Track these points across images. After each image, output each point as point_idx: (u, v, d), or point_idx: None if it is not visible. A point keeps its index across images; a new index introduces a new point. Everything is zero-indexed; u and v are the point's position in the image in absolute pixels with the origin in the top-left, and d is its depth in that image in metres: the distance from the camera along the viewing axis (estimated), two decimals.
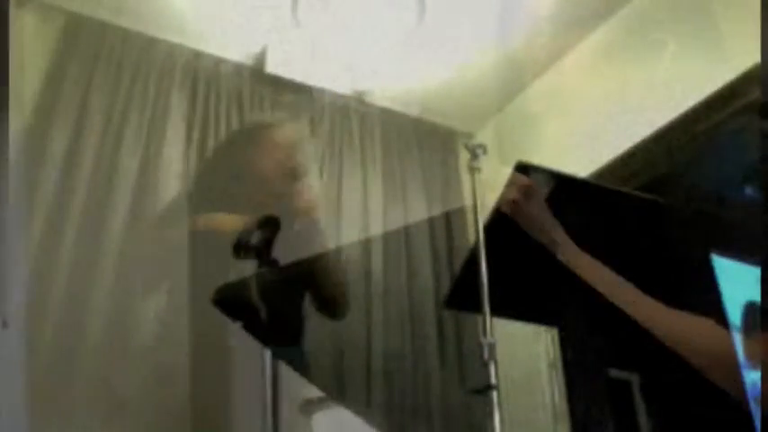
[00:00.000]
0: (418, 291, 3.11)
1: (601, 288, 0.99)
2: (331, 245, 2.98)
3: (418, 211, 3.32)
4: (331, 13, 2.93)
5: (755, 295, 0.70)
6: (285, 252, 2.05)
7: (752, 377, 0.65)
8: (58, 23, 2.80)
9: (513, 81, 3.35)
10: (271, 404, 1.27)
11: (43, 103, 2.65)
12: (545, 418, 2.78)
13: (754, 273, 0.71)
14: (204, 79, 3.01)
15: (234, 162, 2.17)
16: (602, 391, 1.04)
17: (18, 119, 2.53)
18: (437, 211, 3.38)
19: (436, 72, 3.27)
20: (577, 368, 1.11)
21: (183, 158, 2.82)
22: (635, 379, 0.89)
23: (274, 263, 1.36)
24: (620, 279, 0.98)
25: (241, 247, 1.32)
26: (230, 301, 1.33)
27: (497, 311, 1.08)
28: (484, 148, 1.26)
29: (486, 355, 1.07)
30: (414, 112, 3.50)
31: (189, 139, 2.87)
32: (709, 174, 1.04)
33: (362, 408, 2.78)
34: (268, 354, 1.34)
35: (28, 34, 2.72)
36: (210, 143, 2.90)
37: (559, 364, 2.81)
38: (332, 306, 2.13)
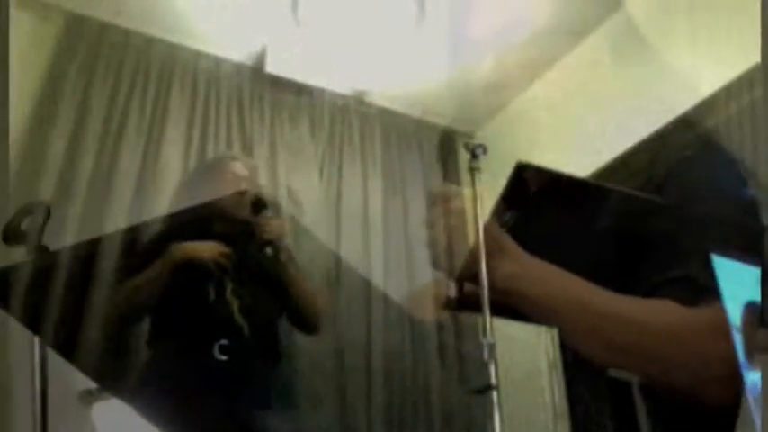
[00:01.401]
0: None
1: (558, 298, 1.00)
2: (331, 245, 2.99)
3: (418, 211, 3.32)
4: (331, 12, 2.93)
5: (755, 295, 0.70)
6: (256, 276, 2.11)
7: (752, 377, 0.65)
8: (58, 23, 2.80)
9: (513, 81, 3.35)
10: (40, 393, 1.27)
11: (43, 104, 2.65)
12: (545, 418, 2.78)
13: (754, 273, 0.71)
14: (204, 79, 3.01)
15: (198, 197, 2.26)
16: (603, 391, 1.04)
17: (18, 119, 2.54)
18: None
19: (436, 72, 3.27)
20: (577, 368, 1.11)
21: (183, 159, 2.82)
22: (635, 379, 0.89)
23: (44, 249, 1.36)
24: (584, 283, 0.98)
25: (10, 234, 1.31)
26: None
27: (497, 311, 1.08)
28: (484, 148, 1.25)
29: (486, 355, 1.07)
30: (414, 112, 3.50)
31: (189, 139, 2.87)
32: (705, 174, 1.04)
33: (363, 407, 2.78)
34: (37, 342, 1.33)
35: (28, 34, 2.72)
36: (210, 143, 2.90)
37: (559, 364, 2.81)
38: (305, 323, 2.23)
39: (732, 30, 2.44)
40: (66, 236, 2.48)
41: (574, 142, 3.01)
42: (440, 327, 3.10)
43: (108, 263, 1.98)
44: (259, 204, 2.18)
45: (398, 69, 3.24)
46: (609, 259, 1.02)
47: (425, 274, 3.49)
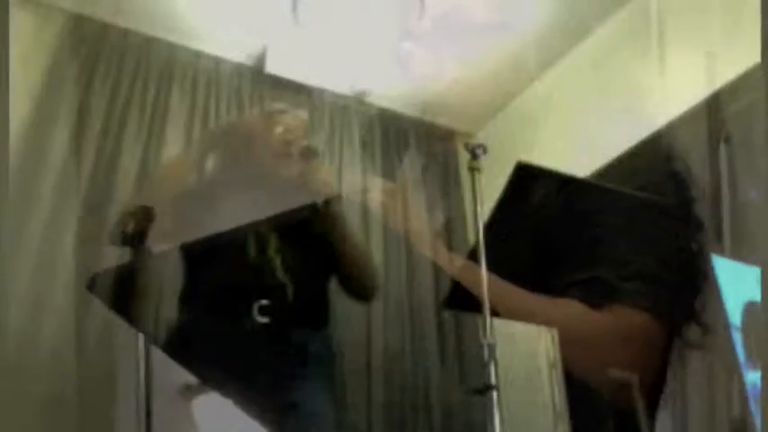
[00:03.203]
0: (418, 291, 3.11)
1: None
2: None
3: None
4: (331, 12, 2.93)
5: (755, 295, 0.70)
6: (303, 230, 1.96)
7: (751, 377, 0.65)
8: (58, 23, 2.80)
9: (513, 81, 3.35)
10: (144, 388, 1.31)
11: (43, 103, 2.65)
12: (545, 418, 2.77)
13: (754, 273, 0.72)
14: (204, 79, 3.01)
15: (247, 153, 2.14)
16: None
17: (18, 119, 2.54)
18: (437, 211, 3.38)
19: (436, 72, 3.26)
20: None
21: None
22: (635, 379, 0.89)
23: (147, 252, 1.40)
24: (496, 280, 1.02)
25: (117, 236, 1.38)
26: (104, 287, 1.37)
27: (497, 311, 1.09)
28: (484, 148, 1.26)
29: (486, 355, 1.07)
30: (414, 112, 3.50)
31: (189, 139, 2.87)
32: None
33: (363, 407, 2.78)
34: (141, 338, 1.36)
35: (28, 34, 2.72)
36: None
37: (559, 364, 2.80)
38: (358, 286, 2.08)
39: (733, 30, 2.44)
40: (65, 235, 2.48)
41: (574, 142, 3.01)
42: (440, 327, 3.10)
43: (207, 263, 1.89)
44: (308, 153, 2.03)
45: (398, 69, 3.24)
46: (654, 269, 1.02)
47: (425, 274, 3.51)
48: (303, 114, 2.28)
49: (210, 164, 2.19)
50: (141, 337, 1.36)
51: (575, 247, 0.98)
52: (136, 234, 1.40)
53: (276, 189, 1.98)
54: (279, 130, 2.11)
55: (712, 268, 0.74)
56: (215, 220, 1.92)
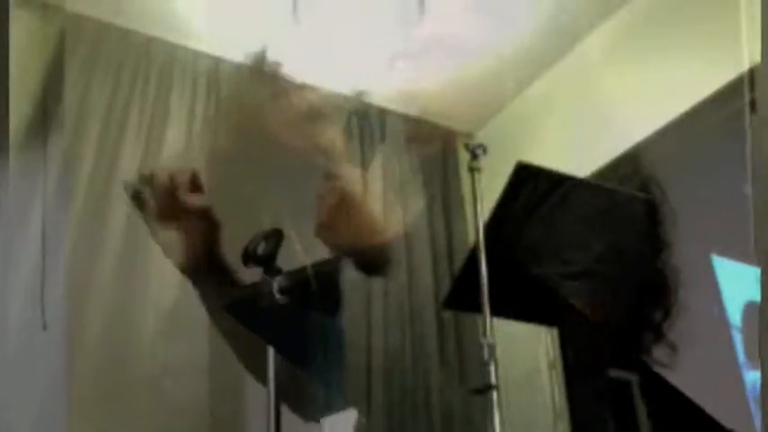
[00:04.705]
0: (418, 291, 3.12)
1: None
2: None
3: (418, 211, 3.32)
4: (331, 12, 2.93)
5: (755, 295, 0.70)
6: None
7: (752, 377, 0.65)
8: (58, 23, 2.80)
9: (513, 81, 3.35)
10: (274, 405, 1.35)
11: (43, 104, 2.65)
12: (545, 418, 2.78)
13: (754, 273, 0.72)
14: (204, 79, 3.01)
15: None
16: (603, 391, 1.05)
17: (18, 119, 2.54)
18: (437, 211, 3.38)
19: (436, 72, 3.26)
20: (577, 368, 1.12)
21: (184, 159, 2.82)
22: (635, 379, 0.89)
23: (279, 271, 1.47)
24: None
25: (248, 257, 1.46)
26: (238, 306, 1.43)
27: (497, 311, 1.09)
28: (484, 148, 1.26)
29: (486, 356, 1.07)
30: (413, 112, 3.50)
31: (189, 139, 2.87)
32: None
33: (363, 408, 2.78)
34: (272, 354, 1.41)
35: (28, 34, 2.72)
36: (211, 143, 2.90)
37: (559, 364, 2.81)
38: (370, 257, 2.09)
39: (732, 29, 2.44)
40: (65, 237, 2.48)
41: (574, 142, 3.01)
42: (440, 327, 3.10)
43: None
44: (314, 115, 2.00)
45: (398, 69, 3.23)
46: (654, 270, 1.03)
47: (426, 274, 3.49)
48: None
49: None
50: (271, 351, 1.43)
51: (550, 245, 1.00)
52: (267, 254, 1.48)
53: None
54: (295, 100, 2.09)
55: (680, 288, 0.75)
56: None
